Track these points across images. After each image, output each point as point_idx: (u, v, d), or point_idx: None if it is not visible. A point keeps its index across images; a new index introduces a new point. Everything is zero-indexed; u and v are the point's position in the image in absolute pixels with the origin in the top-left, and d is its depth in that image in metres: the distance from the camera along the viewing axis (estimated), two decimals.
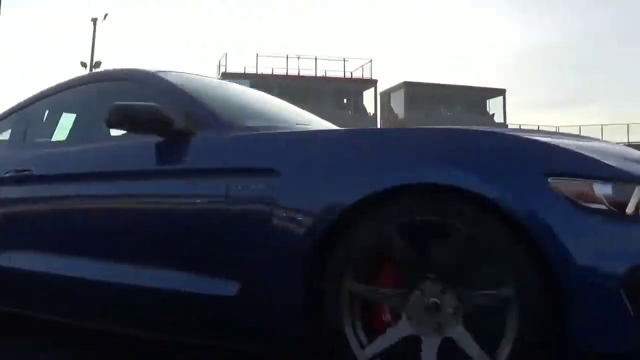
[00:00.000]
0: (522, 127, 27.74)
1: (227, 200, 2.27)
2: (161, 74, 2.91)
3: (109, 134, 2.92)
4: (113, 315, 2.70)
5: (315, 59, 32.97)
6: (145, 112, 2.49)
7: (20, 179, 3.05)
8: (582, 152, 1.92)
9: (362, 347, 2.00)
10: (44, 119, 3.52)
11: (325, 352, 2.07)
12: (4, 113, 3.63)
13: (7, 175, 3.12)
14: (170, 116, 2.50)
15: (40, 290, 2.87)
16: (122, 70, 3.14)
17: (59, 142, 3.28)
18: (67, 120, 3.41)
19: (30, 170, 3.02)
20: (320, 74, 33.05)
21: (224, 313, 2.27)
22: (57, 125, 3.43)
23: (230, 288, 2.21)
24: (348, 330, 2.01)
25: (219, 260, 2.28)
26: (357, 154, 2.14)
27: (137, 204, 2.62)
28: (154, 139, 2.56)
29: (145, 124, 2.51)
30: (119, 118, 2.50)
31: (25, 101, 3.56)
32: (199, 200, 2.39)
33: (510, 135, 2.06)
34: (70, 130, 3.30)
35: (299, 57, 32.91)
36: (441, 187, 1.91)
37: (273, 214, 2.15)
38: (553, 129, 24.50)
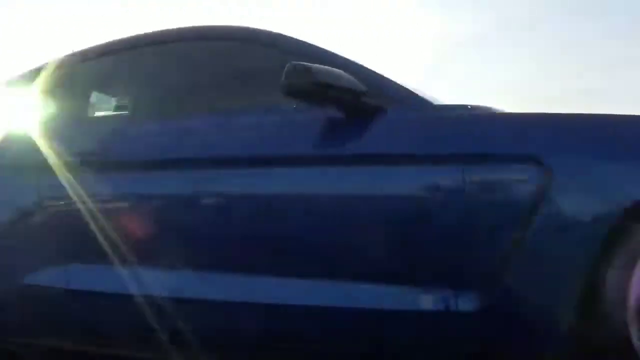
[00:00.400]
0: None
1: (467, 193, 1.87)
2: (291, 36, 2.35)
3: (256, 106, 2.35)
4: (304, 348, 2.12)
5: None
6: (339, 79, 1.98)
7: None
8: None
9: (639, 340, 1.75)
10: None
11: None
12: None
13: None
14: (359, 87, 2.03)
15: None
16: (233, 27, 2.45)
17: (167, 117, 2.49)
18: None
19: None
20: None
21: (460, 334, 1.89)
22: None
23: (471, 303, 1.85)
24: (632, 327, 1.72)
25: (456, 268, 1.89)
26: None
27: (328, 198, 2.05)
28: (323, 114, 2.08)
29: (334, 95, 2.00)
30: (309, 83, 1.93)
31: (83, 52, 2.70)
32: (424, 193, 1.95)
33: None
34: (155, 103, 2.59)
35: None
36: None
37: (542, 209, 1.79)
38: None
